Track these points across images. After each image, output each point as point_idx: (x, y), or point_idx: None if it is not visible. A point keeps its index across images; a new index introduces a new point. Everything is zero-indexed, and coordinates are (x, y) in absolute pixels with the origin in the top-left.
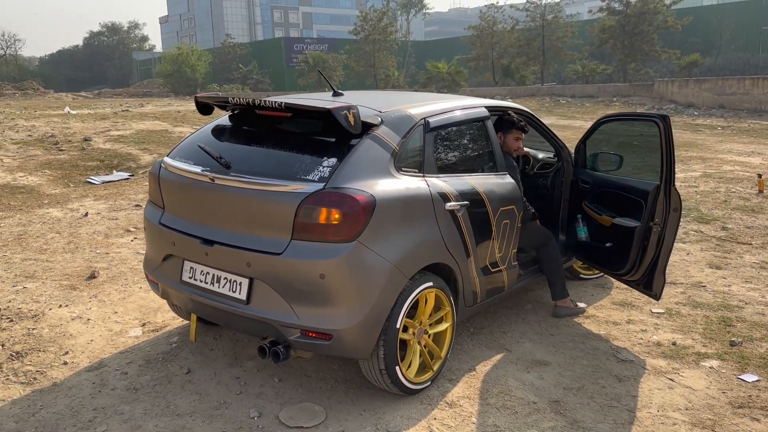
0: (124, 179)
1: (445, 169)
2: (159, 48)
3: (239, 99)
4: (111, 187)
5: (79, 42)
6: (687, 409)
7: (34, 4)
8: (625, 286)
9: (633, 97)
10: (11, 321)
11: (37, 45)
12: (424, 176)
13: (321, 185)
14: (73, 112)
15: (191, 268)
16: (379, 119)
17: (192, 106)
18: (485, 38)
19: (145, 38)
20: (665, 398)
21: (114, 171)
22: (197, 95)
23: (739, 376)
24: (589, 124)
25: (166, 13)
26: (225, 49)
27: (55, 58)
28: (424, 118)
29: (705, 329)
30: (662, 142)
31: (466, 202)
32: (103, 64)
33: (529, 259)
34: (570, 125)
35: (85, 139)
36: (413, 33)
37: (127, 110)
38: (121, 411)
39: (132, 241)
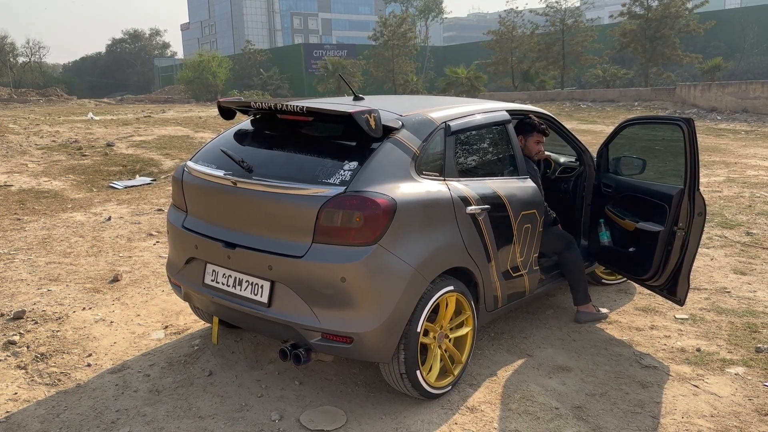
0: (147, 184)
1: (466, 172)
2: (180, 55)
3: (261, 104)
4: (133, 191)
5: (102, 49)
6: (712, 416)
7: (58, 12)
8: (649, 291)
9: (655, 102)
10: (36, 323)
11: (61, 52)
12: (445, 180)
13: (342, 189)
14: (96, 117)
15: (213, 271)
16: (400, 123)
17: (213, 111)
18: (504, 43)
19: (166, 45)
20: (690, 405)
21: (136, 176)
22: (220, 100)
23: (766, 383)
24: (610, 129)
25: (188, 20)
26: (245, 55)
27: (78, 65)
28: (445, 122)
29: (730, 335)
30: (686, 145)
31: (487, 206)
32: (125, 71)
33: (551, 264)
34: (591, 129)
35: (108, 145)
36: (432, 38)
37: (149, 116)
38: (143, 412)
39: (154, 245)
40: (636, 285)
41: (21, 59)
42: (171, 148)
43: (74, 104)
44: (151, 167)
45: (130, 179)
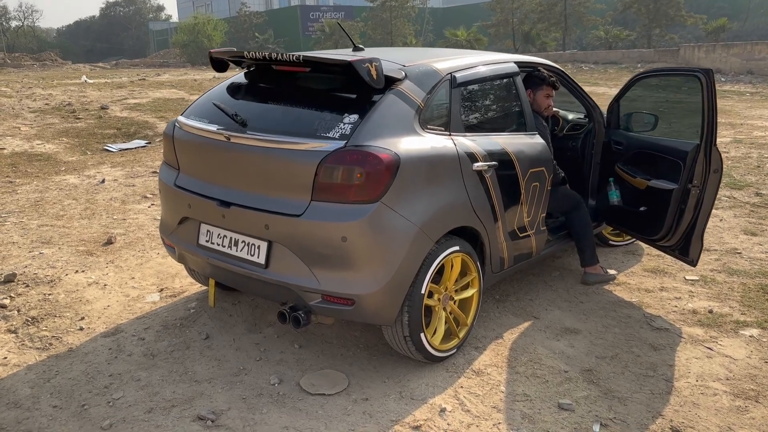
0: (141, 147)
1: (472, 127)
2: (175, 18)
3: (255, 54)
4: (128, 154)
5: (96, 13)
6: (728, 379)
7: None
8: (657, 252)
9: (658, 63)
10: (27, 286)
11: (55, 16)
12: (450, 135)
13: (342, 143)
14: (90, 81)
15: (208, 231)
16: (403, 74)
17: (208, 74)
18: (506, 4)
19: (161, 8)
20: (704, 368)
21: (131, 139)
22: (212, 51)
23: None
24: (613, 91)
25: None
26: (241, 18)
27: (72, 29)
28: (451, 73)
29: (743, 297)
30: (704, 98)
31: (494, 163)
32: (119, 35)
33: (558, 225)
34: (593, 91)
35: (102, 108)
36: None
37: (144, 79)
38: (137, 377)
39: (149, 207)
40: (645, 246)
41: (14, 23)
42: (166, 110)
43: (69, 69)
44: (146, 130)
45: (124, 142)
